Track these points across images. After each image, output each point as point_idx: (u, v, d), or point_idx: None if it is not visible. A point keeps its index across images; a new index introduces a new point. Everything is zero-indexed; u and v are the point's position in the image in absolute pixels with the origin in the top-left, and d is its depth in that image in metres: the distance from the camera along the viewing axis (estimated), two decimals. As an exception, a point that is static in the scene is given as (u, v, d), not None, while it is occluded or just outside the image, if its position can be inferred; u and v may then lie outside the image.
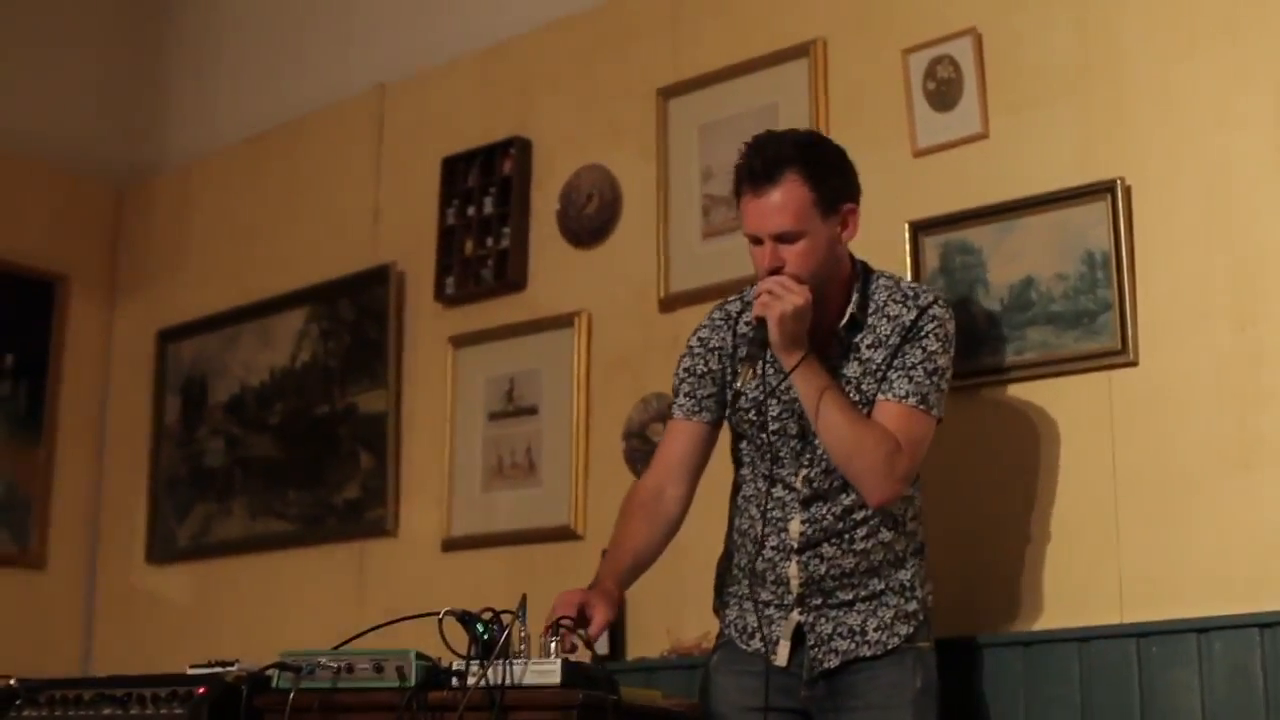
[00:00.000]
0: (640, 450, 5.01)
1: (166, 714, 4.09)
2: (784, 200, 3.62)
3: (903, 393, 3.64)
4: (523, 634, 3.51)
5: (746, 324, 3.71)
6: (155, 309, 6.97)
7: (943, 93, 4.51)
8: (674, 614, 4.73)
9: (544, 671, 3.43)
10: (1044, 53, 4.38)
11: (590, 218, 5.37)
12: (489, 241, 5.64)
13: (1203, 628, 3.83)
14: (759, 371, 3.67)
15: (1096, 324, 4.14)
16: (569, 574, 4.91)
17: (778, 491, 3.77)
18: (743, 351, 3.75)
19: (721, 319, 3.89)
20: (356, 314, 6.04)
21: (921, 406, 3.64)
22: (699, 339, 3.90)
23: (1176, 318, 4.05)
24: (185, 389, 6.74)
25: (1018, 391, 4.25)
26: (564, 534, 5.18)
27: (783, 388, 3.70)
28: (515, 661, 3.45)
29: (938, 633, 3.94)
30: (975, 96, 4.45)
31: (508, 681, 3.43)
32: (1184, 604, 3.90)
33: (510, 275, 5.54)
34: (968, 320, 4.31)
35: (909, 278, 4.39)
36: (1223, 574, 3.87)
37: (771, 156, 3.64)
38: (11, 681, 4.41)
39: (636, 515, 3.85)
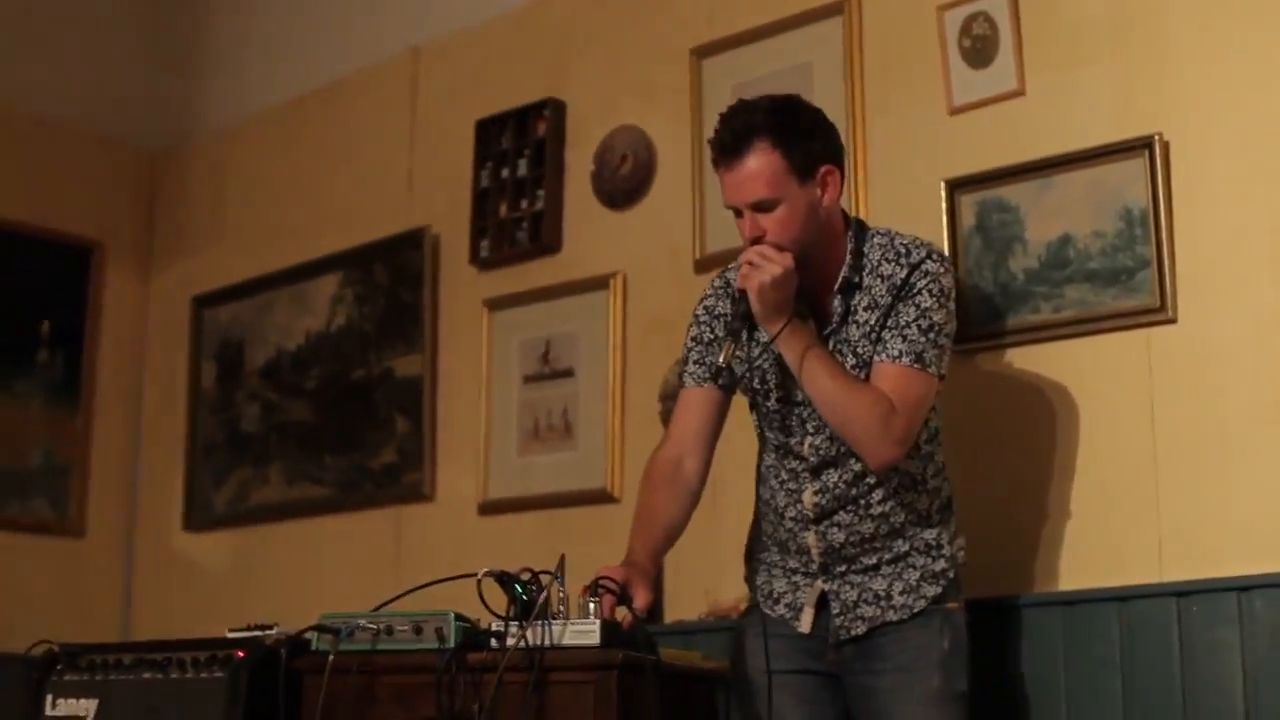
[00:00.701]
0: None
1: (206, 678, 4.11)
2: (756, 169, 3.56)
3: (896, 352, 3.57)
4: (561, 595, 3.51)
5: (741, 291, 3.64)
6: (191, 275, 6.99)
7: (978, 49, 4.48)
8: (712, 577, 4.72)
9: (583, 632, 3.42)
10: (1080, 7, 4.34)
11: (625, 179, 5.36)
12: (523, 204, 5.63)
13: (1244, 586, 3.80)
14: (743, 342, 3.66)
15: (1135, 281, 4.11)
16: (605, 537, 4.92)
17: (790, 462, 3.75)
18: (724, 327, 3.73)
19: (722, 286, 3.85)
20: (391, 278, 6.04)
21: (917, 365, 3.56)
22: (704, 307, 3.88)
23: (1215, 274, 4.02)
24: (221, 355, 6.75)
25: (1056, 350, 4.23)
26: (600, 497, 5.17)
27: (779, 355, 3.65)
28: (554, 622, 3.44)
29: (975, 593, 3.92)
30: (1011, 53, 4.42)
31: (547, 642, 3.42)
32: (1224, 562, 3.87)
33: (545, 238, 5.53)
34: (1005, 278, 4.31)
35: (945, 236, 4.38)
36: (1263, 532, 3.84)
37: (740, 126, 3.59)
38: (52, 647, 4.44)
39: (660, 488, 3.83)
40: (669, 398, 5.02)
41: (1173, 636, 3.89)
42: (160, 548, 6.90)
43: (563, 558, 3.54)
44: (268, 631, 4.11)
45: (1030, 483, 4.20)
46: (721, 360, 3.57)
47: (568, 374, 5.41)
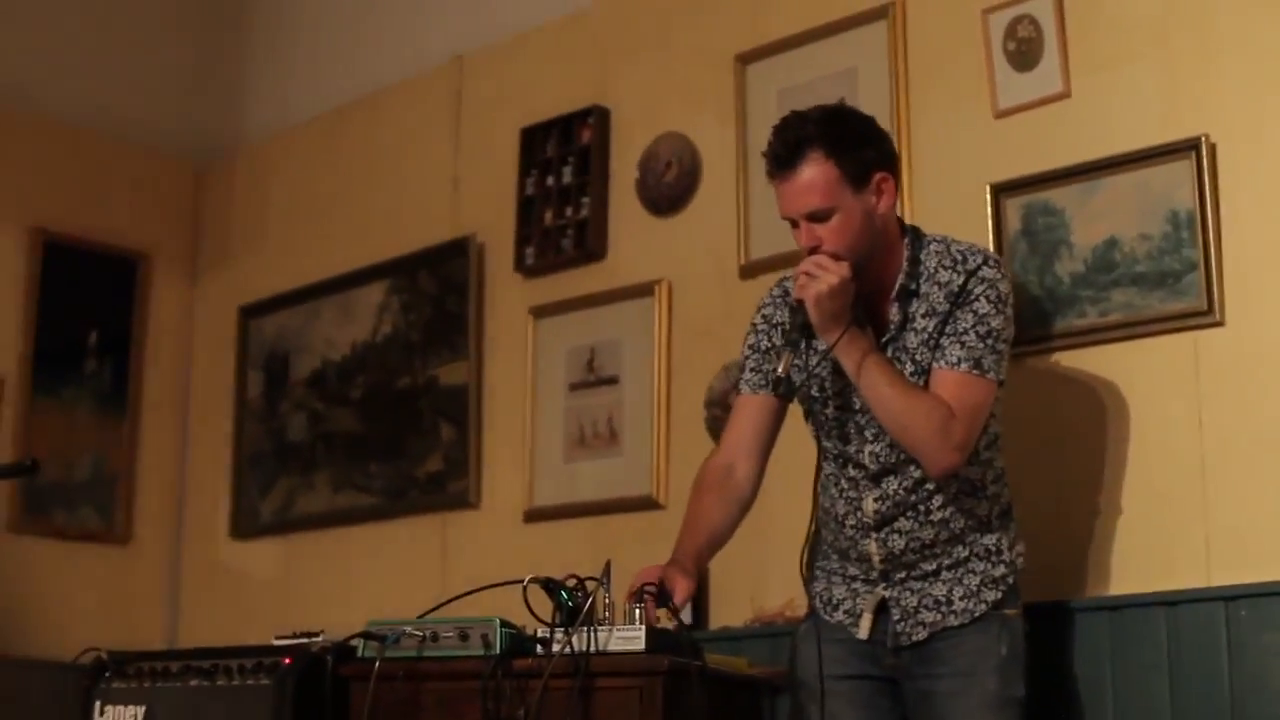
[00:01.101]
0: (722, 419, 4.97)
1: (253, 685, 4.12)
2: (810, 180, 3.58)
3: (955, 359, 3.58)
4: (607, 601, 3.51)
5: (798, 301, 3.64)
6: (236, 285, 7.01)
7: (1023, 52, 4.47)
8: (758, 583, 4.72)
9: (629, 638, 3.43)
10: (1125, 8, 4.32)
11: (669, 185, 5.36)
12: (568, 211, 5.63)
13: (1293, 590, 3.79)
14: (801, 351, 3.67)
15: (1182, 284, 4.09)
16: (651, 544, 4.90)
17: (849, 470, 3.75)
18: (782, 336, 3.74)
19: (781, 294, 3.86)
20: (437, 286, 6.05)
21: (975, 371, 3.57)
22: (762, 316, 3.89)
23: (1263, 277, 3.99)
24: (267, 364, 6.77)
25: (1102, 354, 4.21)
26: (646, 504, 5.17)
27: (834, 365, 3.66)
28: (600, 628, 3.45)
29: (1024, 598, 3.92)
30: (1056, 55, 4.40)
31: (593, 648, 3.43)
32: (1273, 566, 3.84)
33: (590, 245, 5.53)
34: (1051, 282, 4.29)
35: (990, 240, 4.37)
36: (1313, 535, 3.82)
37: (792, 138, 3.61)
38: (101, 654, 4.46)
39: (710, 493, 3.84)
40: (714, 404, 5.03)
41: (1221, 640, 3.86)
42: (207, 556, 6.92)
43: (608, 564, 3.55)
44: (314, 639, 4.13)
45: (1078, 486, 4.18)
46: (780, 370, 3.59)
47: (613, 381, 5.41)
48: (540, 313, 5.65)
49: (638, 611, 3.47)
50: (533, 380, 5.64)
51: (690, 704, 3.42)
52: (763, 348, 3.85)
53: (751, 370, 3.86)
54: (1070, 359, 4.26)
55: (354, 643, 3.77)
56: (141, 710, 4.32)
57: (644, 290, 5.34)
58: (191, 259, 7.26)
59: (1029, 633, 3.78)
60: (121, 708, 4.34)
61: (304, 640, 4.13)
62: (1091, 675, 4.03)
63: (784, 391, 3.73)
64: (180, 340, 7.19)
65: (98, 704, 4.39)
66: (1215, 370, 4.03)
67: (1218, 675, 3.85)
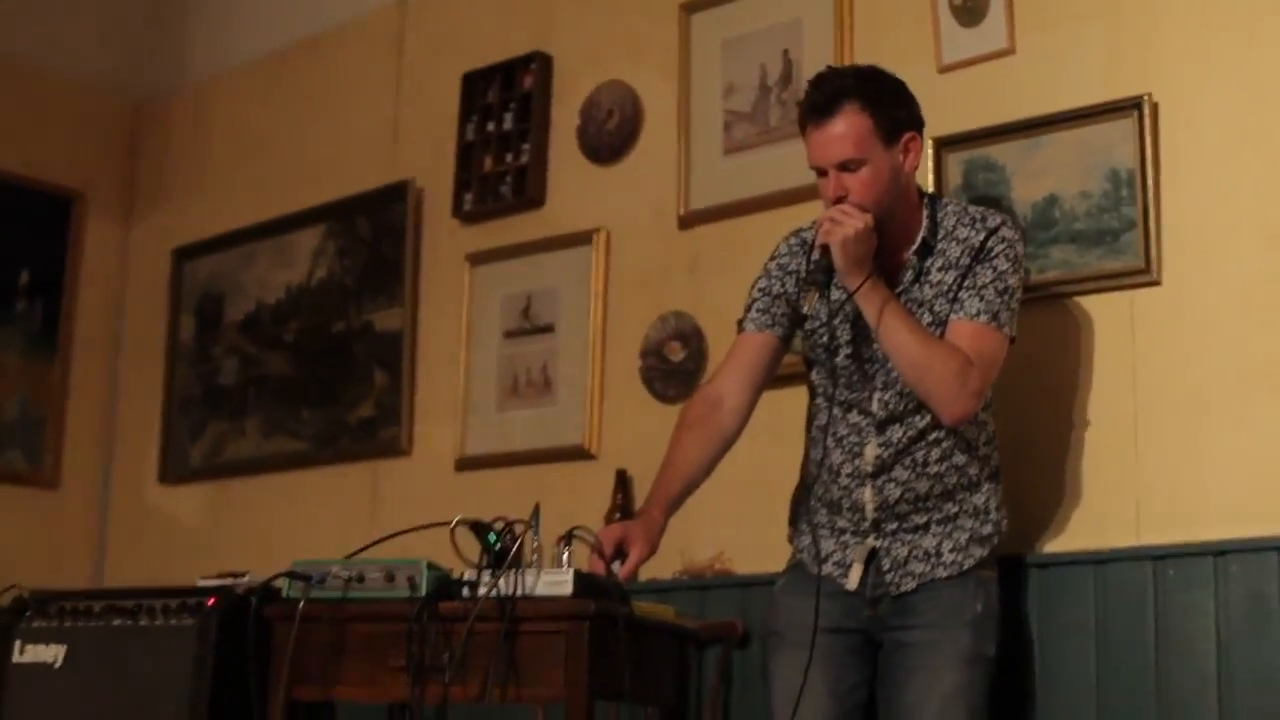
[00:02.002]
0: (657, 369, 4.98)
1: (176, 625, 4.10)
2: (845, 129, 3.65)
3: (974, 311, 3.65)
4: (535, 544, 3.48)
5: (824, 246, 3.69)
6: (171, 226, 6.94)
7: (970, 8, 4.45)
8: (687, 535, 4.69)
9: (556, 582, 3.40)
10: (1072, -34, 4.31)
11: (610, 134, 5.32)
12: (508, 158, 5.59)
13: (1220, 550, 3.80)
14: (825, 295, 3.70)
15: (1120, 243, 4.09)
16: (583, 494, 4.91)
17: (853, 417, 3.79)
18: (804, 279, 3.77)
19: (798, 244, 3.90)
20: (374, 231, 6.00)
21: (993, 324, 3.65)
22: (777, 264, 3.92)
23: (1201, 237, 4.00)
24: (201, 307, 6.71)
25: (1039, 310, 4.19)
26: (578, 453, 5.14)
27: (852, 312, 3.71)
28: (527, 572, 3.42)
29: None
30: (1002, 12, 4.39)
31: (519, 591, 3.40)
32: (1202, 527, 3.86)
33: (529, 192, 5.49)
34: (990, 239, 4.28)
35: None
36: (1242, 496, 3.83)
37: (831, 89, 3.69)
38: (22, 593, 4.41)
39: (692, 431, 3.85)
40: (650, 354, 5.01)
41: (1148, 600, 3.89)
42: (135, 500, 6.86)
43: (537, 507, 3.52)
44: (239, 580, 4.09)
45: (1009, 443, 4.15)
46: (806, 308, 3.68)
47: (548, 329, 5.38)
48: (477, 259, 5.61)
49: (565, 555, 3.45)
50: (468, 327, 5.60)
51: (616, 649, 3.40)
52: (774, 291, 3.88)
53: (759, 310, 3.89)
54: (1007, 316, 4.25)
55: (279, 583, 3.72)
56: (63, 650, 4.28)
57: (582, 239, 5.31)
58: (127, 199, 7.18)
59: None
60: (42, 646, 4.30)
61: (229, 581, 4.09)
62: (1019, 633, 4.03)
63: (783, 333, 3.85)
64: (113, 281, 7.11)
65: (18, 643, 4.34)
66: (1151, 329, 4.04)
67: (1144, 634, 3.87)
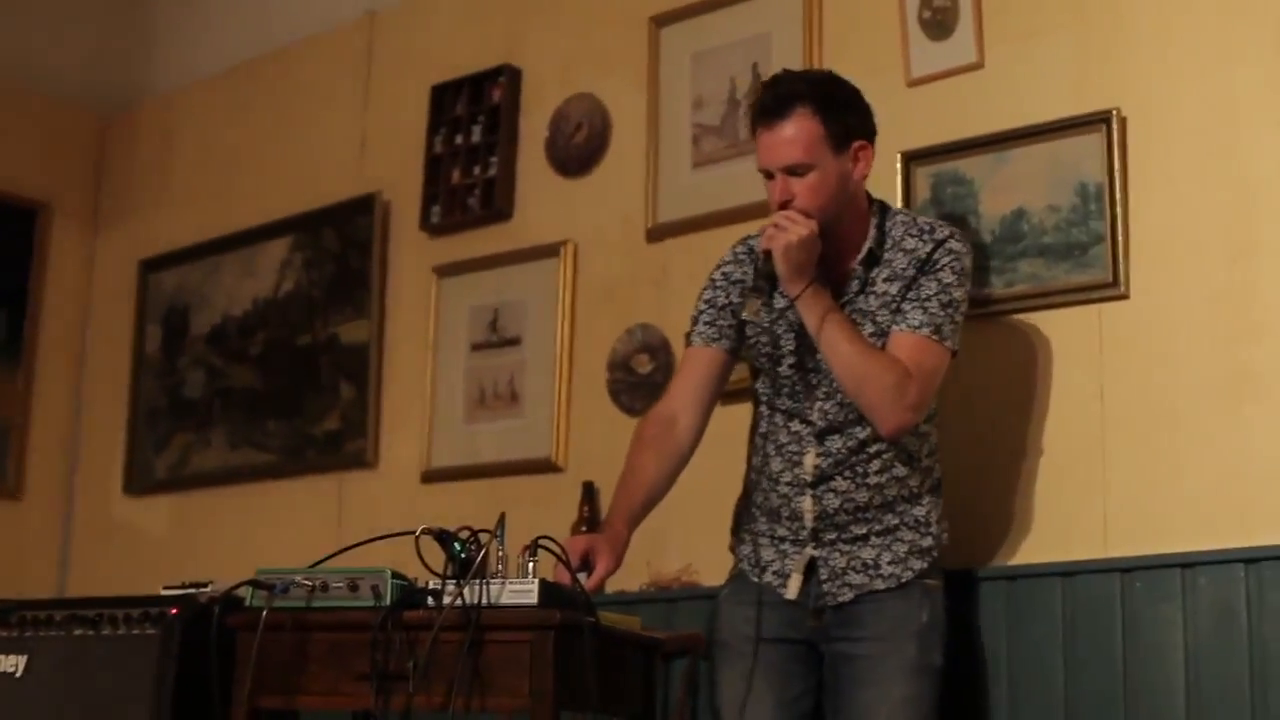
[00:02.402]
0: (624, 382, 4.98)
1: (138, 634, 4.06)
2: (794, 133, 3.65)
3: (916, 323, 3.64)
4: (500, 554, 3.47)
5: (766, 252, 3.69)
6: (137, 238, 6.91)
7: (938, 21, 4.46)
8: (654, 548, 4.69)
9: (521, 591, 3.39)
10: (1042, -20, 4.32)
11: (579, 147, 5.32)
12: (476, 170, 5.59)
13: (1187, 563, 3.81)
14: (768, 302, 3.70)
15: (1088, 256, 4.10)
16: (549, 506, 4.90)
17: (794, 426, 3.78)
18: (748, 287, 3.77)
19: (744, 252, 3.89)
20: (341, 243, 5.99)
21: (935, 337, 3.64)
22: (722, 273, 3.91)
23: (1169, 251, 4.01)
24: (167, 319, 6.68)
25: (1007, 324, 4.21)
26: (545, 466, 5.14)
27: (796, 321, 3.70)
28: (493, 581, 3.40)
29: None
30: (971, 25, 4.40)
31: (484, 601, 3.39)
32: (1170, 539, 3.87)
33: (497, 204, 5.49)
34: (958, 252, 4.28)
35: (899, 208, 4.35)
36: (1209, 509, 3.85)
37: (783, 92, 3.70)
38: (-17, 602, 4.38)
39: (649, 448, 3.85)
40: (617, 367, 5.01)
41: (1116, 612, 3.89)
42: (99, 512, 6.83)
43: (502, 516, 3.51)
44: (202, 589, 4.06)
45: (977, 456, 4.19)
46: (746, 314, 3.66)
47: (515, 342, 5.37)
48: (444, 271, 5.60)
49: (531, 565, 3.43)
50: (435, 340, 5.59)
51: (582, 659, 3.38)
52: (719, 303, 3.87)
53: (705, 324, 3.88)
54: (974, 329, 4.22)
55: (242, 592, 3.70)
56: (23, 660, 4.23)
57: (550, 251, 5.31)
58: (92, 210, 7.15)
59: (947, 606, 3.80)
60: (2, 656, 4.25)
61: (191, 590, 4.06)
62: (988, 644, 4.06)
63: (731, 346, 3.85)
64: (78, 292, 7.08)
65: (-23, 652, 4.30)
66: (1118, 343, 4.05)
67: (1112, 646, 3.88)
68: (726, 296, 3.87)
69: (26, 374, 6.85)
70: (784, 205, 3.64)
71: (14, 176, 6.86)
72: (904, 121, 4.48)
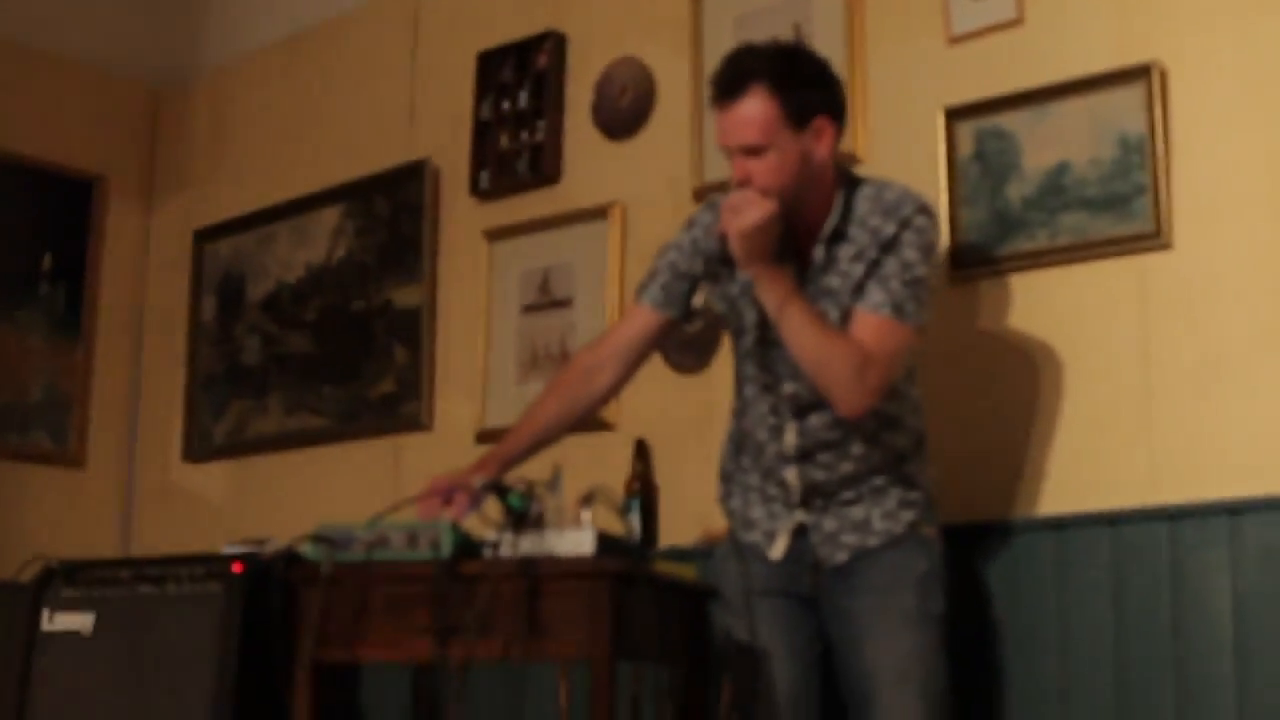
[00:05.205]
0: (674, 340, 5.01)
1: (203, 591, 4.15)
2: (750, 113, 3.57)
3: (877, 302, 3.58)
4: (556, 505, 3.53)
5: (723, 234, 3.64)
6: (192, 209, 6.98)
7: (979, -23, 4.49)
8: (707, 504, 4.73)
9: (577, 542, 3.44)
10: (1080, -66, 4.35)
11: (624, 110, 5.36)
12: (524, 135, 5.63)
13: (1234, 509, 3.84)
14: (725, 279, 3.72)
15: (1131, 208, 4.12)
16: (602, 462, 4.94)
17: (772, 399, 3.77)
18: (703, 265, 3.78)
19: (713, 221, 3.78)
20: (392, 210, 6.04)
21: (896, 316, 3.57)
22: (690, 239, 3.87)
23: (1212, 202, 4.03)
24: (222, 288, 6.75)
25: (1052, 276, 4.24)
26: (596, 424, 5.17)
27: (753, 296, 3.68)
28: (549, 532, 3.46)
29: (968, 517, 3.99)
30: (1011, -19, 4.43)
31: (541, 551, 3.45)
32: (1216, 485, 3.90)
33: (545, 169, 5.53)
34: (1002, 206, 4.32)
35: (943, 164, 4.40)
36: (1255, 455, 3.87)
37: (738, 70, 3.61)
38: (50, 563, 4.46)
39: (557, 395, 3.93)
40: (666, 327, 5.04)
41: (1163, 559, 3.92)
42: (160, 479, 6.91)
43: (557, 468, 3.57)
44: (263, 546, 4.14)
45: (1023, 407, 4.22)
46: (697, 302, 3.67)
47: (566, 304, 5.42)
48: (494, 236, 5.66)
49: (587, 516, 3.49)
50: (486, 303, 5.64)
51: (637, 608, 3.44)
52: (680, 269, 3.85)
53: (660, 286, 3.87)
54: (1019, 282, 4.29)
55: (303, 548, 3.77)
56: (91, 618, 4.32)
57: (598, 214, 5.35)
58: (147, 182, 7.22)
59: (960, 550, 3.87)
60: (71, 615, 4.34)
61: (253, 548, 4.14)
62: (1035, 594, 4.09)
63: (677, 314, 3.86)
64: (135, 263, 7.15)
65: (46, 611, 4.39)
66: (1162, 293, 4.08)
67: (1159, 593, 3.91)
68: (689, 264, 3.83)
69: (86, 346, 6.92)
70: (743, 185, 3.57)
71: (69, 150, 6.93)
72: (946, 79, 4.52)
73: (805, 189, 3.62)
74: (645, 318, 3.89)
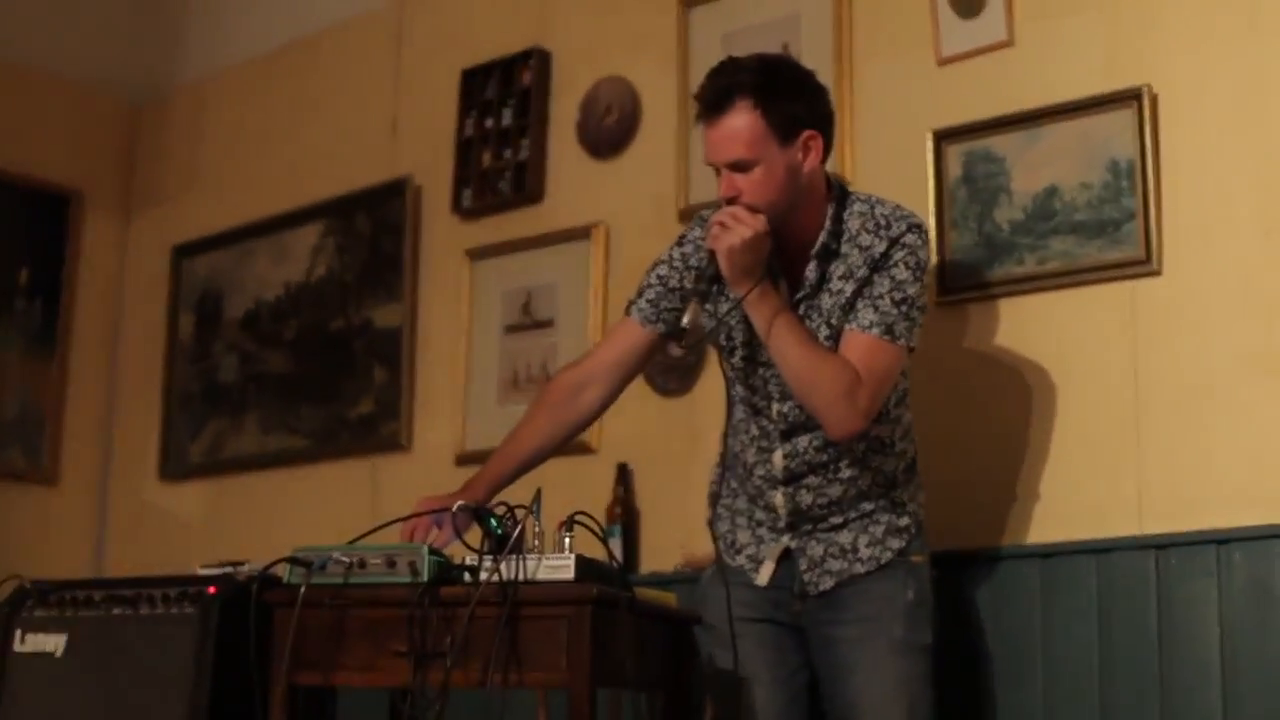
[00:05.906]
0: (657, 363, 4.96)
1: (177, 613, 4.07)
2: (735, 128, 3.50)
3: (867, 322, 3.53)
4: (537, 530, 3.48)
5: (710, 252, 3.56)
6: (170, 224, 6.93)
7: (968, 0, 4.46)
8: (687, 529, 4.70)
9: (558, 566, 3.39)
10: (1071, -43, 4.32)
11: (609, 129, 5.33)
12: (507, 153, 5.60)
13: (1222, 539, 3.81)
14: (712, 297, 3.64)
15: (1120, 233, 4.10)
16: (583, 488, 4.91)
17: (761, 421, 3.73)
18: (691, 285, 3.68)
19: (702, 236, 3.72)
20: (373, 228, 6.00)
21: (886, 337, 3.52)
22: (680, 254, 3.81)
23: (1201, 227, 4.01)
24: (200, 305, 6.70)
25: (1040, 301, 4.22)
26: (579, 448, 5.11)
27: (741, 315, 3.62)
28: (529, 557, 3.41)
29: (955, 544, 3.96)
30: (1000, 3, 4.41)
31: (521, 576, 3.39)
32: (1204, 515, 3.87)
33: (528, 187, 5.50)
34: (991, 229, 4.30)
35: (931, 187, 4.37)
36: (1244, 485, 3.85)
37: (724, 84, 3.54)
38: (23, 583, 4.39)
39: (546, 410, 3.86)
40: (649, 349, 4.99)
41: (1150, 589, 3.90)
42: (135, 498, 6.85)
43: (538, 492, 3.51)
44: (239, 568, 4.08)
45: (1012, 433, 4.19)
46: (685, 321, 3.53)
47: (548, 324, 5.39)
48: (476, 255, 5.62)
49: (567, 540, 3.44)
50: (468, 322, 5.60)
51: (618, 634, 3.39)
52: (670, 284, 3.79)
53: (649, 301, 3.81)
54: (1008, 307, 4.27)
55: (280, 570, 3.71)
56: (63, 639, 4.25)
57: (581, 233, 5.32)
58: (125, 197, 7.17)
59: (945, 579, 3.82)
60: (43, 635, 4.27)
61: (229, 569, 4.08)
62: (1022, 622, 4.06)
63: (666, 330, 3.77)
64: (112, 279, 7.10)
65: (18, 632, 4.32)
66: (1151, 319, 4.05)
67: (1146, 623, 3.89)
68: (679, 279, 3.77)
69: (61, 361, 6.87)
70: (731, 201, 3.51)
71: (47, 165, 6.88)
72: (935, 100, 4.49)
73: (795, 204, 3.57)
74: (633, 333, 3.83)
